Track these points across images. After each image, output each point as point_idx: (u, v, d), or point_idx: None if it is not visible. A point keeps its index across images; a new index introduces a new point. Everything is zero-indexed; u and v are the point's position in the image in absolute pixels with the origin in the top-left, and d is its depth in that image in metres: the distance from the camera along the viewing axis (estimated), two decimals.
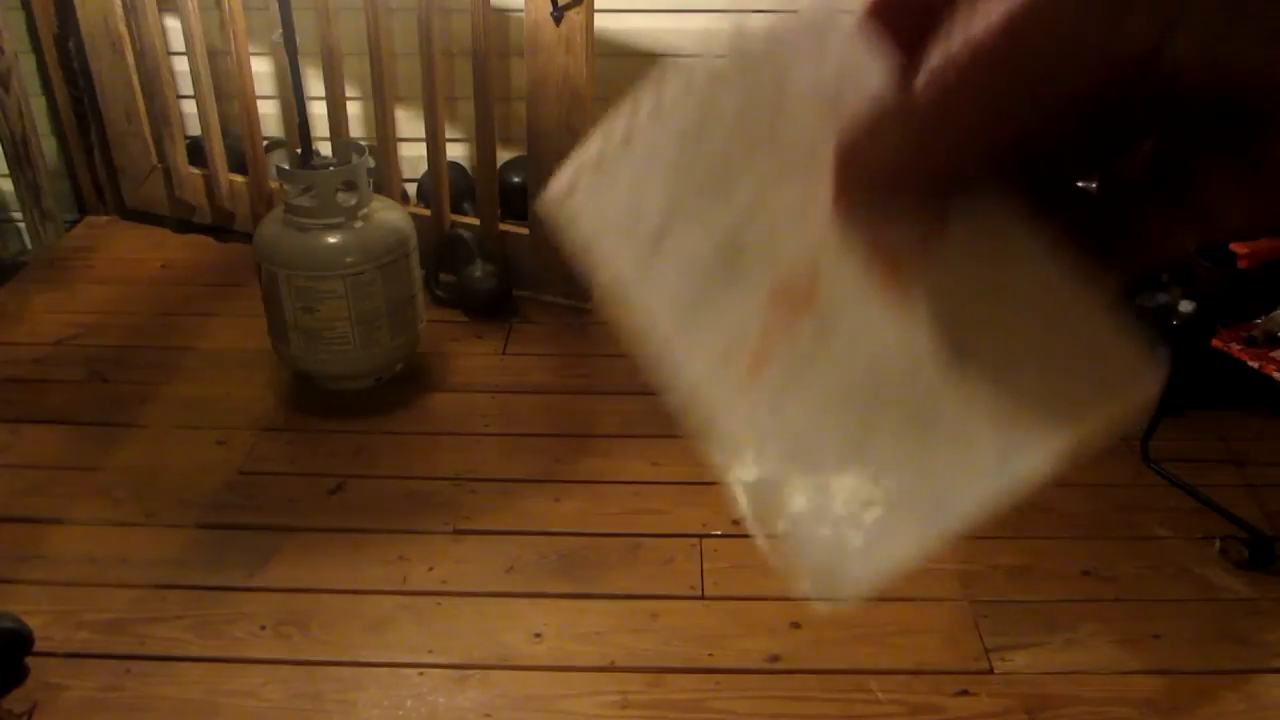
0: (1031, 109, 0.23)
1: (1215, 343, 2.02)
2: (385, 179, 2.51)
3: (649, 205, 0.30)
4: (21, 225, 2.83)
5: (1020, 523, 1.81)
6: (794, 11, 0.31)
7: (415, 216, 2.21)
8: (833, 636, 1.58)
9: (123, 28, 2.56)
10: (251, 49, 2.51)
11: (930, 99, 0.23)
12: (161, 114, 2.63)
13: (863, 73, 0.27)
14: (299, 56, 2.02)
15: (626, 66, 2.79)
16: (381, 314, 2.03)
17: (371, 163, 2.09)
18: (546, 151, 2.30)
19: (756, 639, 1.58)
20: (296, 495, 1.86)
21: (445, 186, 2.48)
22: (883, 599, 1.64)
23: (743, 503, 0.30)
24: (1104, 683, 1.51)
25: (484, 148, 2.38)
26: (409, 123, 2.80)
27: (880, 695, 1.49)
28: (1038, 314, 0.25)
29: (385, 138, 2.48)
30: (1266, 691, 1.50)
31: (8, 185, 2.76)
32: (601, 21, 2.62)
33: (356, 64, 2.55)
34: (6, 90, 2.57)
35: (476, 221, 2.49)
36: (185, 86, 2.65)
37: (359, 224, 1.99)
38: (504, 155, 2.68)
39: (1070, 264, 0.26)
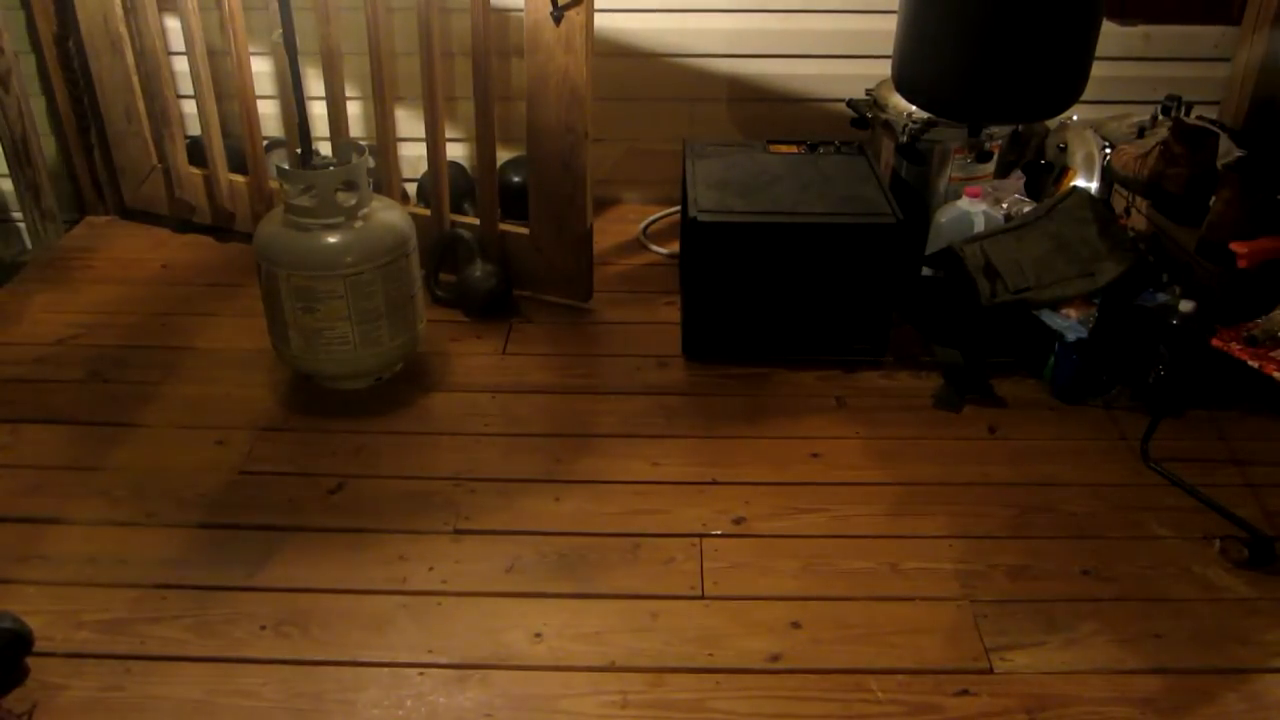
0: None
1: (1215, 343, 2.02)
2: (385, 179, 2.51)
3: None
4: (21, 225, 2.83)
5: (1020, 523, 1.81)
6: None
7: (415, 216, 2.21)
8: (833, 636, 1.58)
9: (123, 28, 2.56)
10: (251, 49, 2.51)
11: None
12: (161, 114, 2.63)
13: None
14: (299, 56, 2.02)
15: (626, 66, 2.79)
16: (381, 314, 2.03)
17: (371, 162, 2.09)
18: (546, 151, 2.30)
19: (756, 639, 1.58)
20: (296, 495, 1.86)
21: (445, 186, 2.48)
22: (883, 599, 1.64)
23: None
24: (1104, 683, 1.51)
25: (484, 148, 2.38)
26: (409, 123, 2.80)
27: (880, 695, 1.49)
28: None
29: (385, 138, 2.48)
30: (1266, 691, 1.50)
31: (8, 185, 2.76)
32: (601, 21, 2.62)
33: (356, 64, 2.55)
34: (6, 90, 2.58)
35: (476, 221, 2.49)
36: (185, 86, 2.65)
37: (359, 224, 1.99)
38: (504, 155, 2.68)
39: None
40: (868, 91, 2.60)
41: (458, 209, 2.63)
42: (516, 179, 2.69)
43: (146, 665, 1.52)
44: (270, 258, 1.98)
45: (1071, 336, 2.09)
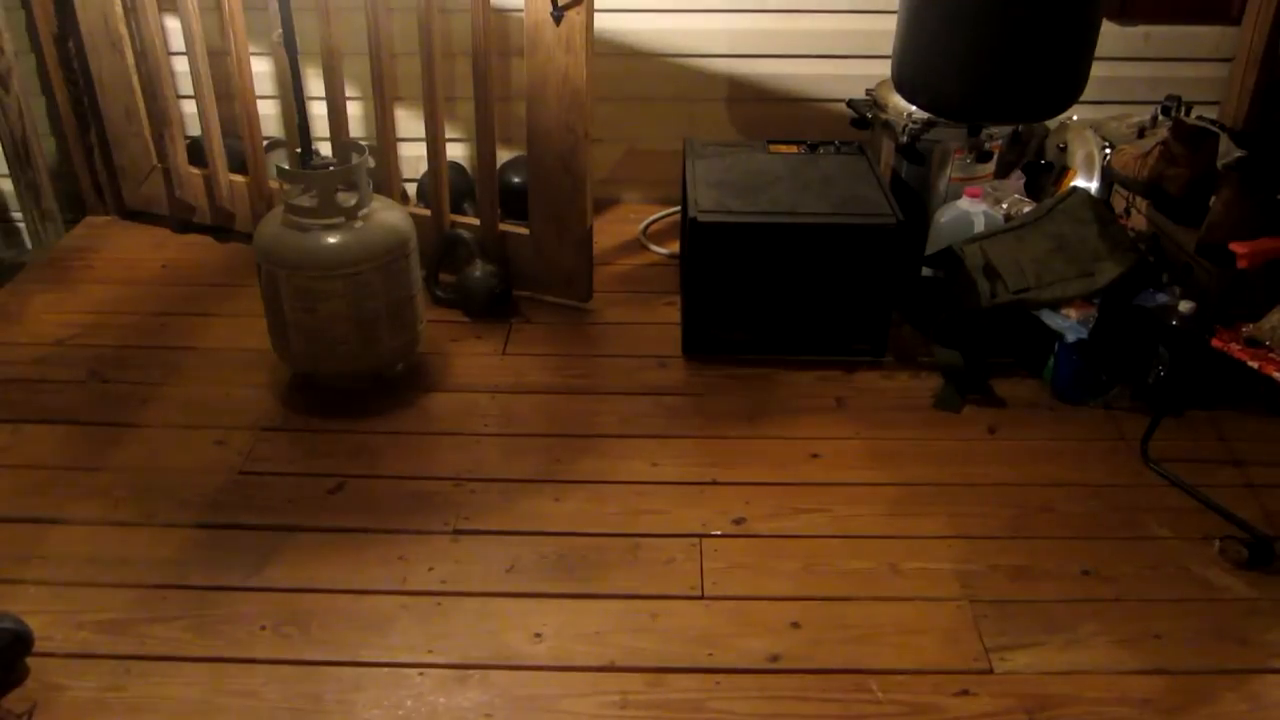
0: None
1: (1215, 343, 2.02)
2: (385, 179, 2.51)
3: None
4: (21, 225, 2.83)
5: (1020, 523, 1.81)
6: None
7: (415, 216, 2.21)
8: (833, 636, 1.58)
9: (123, 28, 2.56)
10: (251, 49, 2.51)
11: None
12: (161, 114, 2.63)
13: None
14: (299, 56, 2.02)
15: (626, 66, 2.79)
16: (381, 314, 2.03)
17: (371, 163, 2.09)
18: (546, 151, 2.30)
19: (756, 639, 1.58)
20: (296, 495, 1.86)
21: (445, 186, 2.48)
22: (882, 599, 1.64)
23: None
24: (1104, 683, 1.51)
25: (484, 148, 2.38)
26: (409, 123, 2.80)
27: (880, 695, 1.49)
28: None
29: (385, 138, 2.48)
30: (1266, 691, 1.50)
31: (8, 185, 2.76)
32: (601, 21, 2.62)
33: (356, 64, 2.55)
34: (6, 90, 2.58)
35: (476, 221, 2.49)
36: (185, 86, 2.65)
37: (359, 224, 1.99)
38: (504, 155, 2.68)
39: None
40: (868, 91, 2.60)
41: (458, 209, 2.63)
42: (516, 179, 2.68)
43: (146, 665, 1.52)
44: (270, 258, 1.98)
45: (1071, 336, 2.09)
